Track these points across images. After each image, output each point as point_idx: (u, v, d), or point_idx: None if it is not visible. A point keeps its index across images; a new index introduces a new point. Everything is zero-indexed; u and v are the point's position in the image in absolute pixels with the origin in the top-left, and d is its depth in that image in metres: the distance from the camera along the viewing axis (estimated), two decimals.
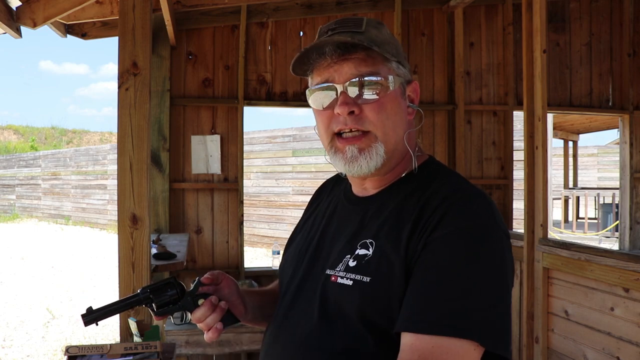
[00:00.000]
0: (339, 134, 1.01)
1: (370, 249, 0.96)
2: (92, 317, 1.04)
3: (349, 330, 0.94)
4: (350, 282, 0.95)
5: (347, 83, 0.98)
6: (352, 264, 0.97)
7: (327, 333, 0.96)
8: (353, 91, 0.98)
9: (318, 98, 1.02)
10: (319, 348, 0.96)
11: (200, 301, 1.04)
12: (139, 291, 1.06)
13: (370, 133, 0.99)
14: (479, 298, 0.85)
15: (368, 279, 0.93)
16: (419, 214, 0.93)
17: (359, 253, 0.97)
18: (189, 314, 1.06)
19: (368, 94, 0.98)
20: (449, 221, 0.90)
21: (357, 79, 0.97)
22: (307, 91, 1.04)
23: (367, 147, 0.99)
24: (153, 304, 1.05)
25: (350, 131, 0.99)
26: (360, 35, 0.98)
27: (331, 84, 0.99)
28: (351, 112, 0.98)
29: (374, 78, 0.98)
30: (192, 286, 1.07)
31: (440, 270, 0.87)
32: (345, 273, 0.97)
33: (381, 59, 0.99)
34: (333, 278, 0.98)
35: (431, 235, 0.89)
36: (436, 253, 0.88)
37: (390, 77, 0.99)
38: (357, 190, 1.10)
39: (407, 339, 0.86)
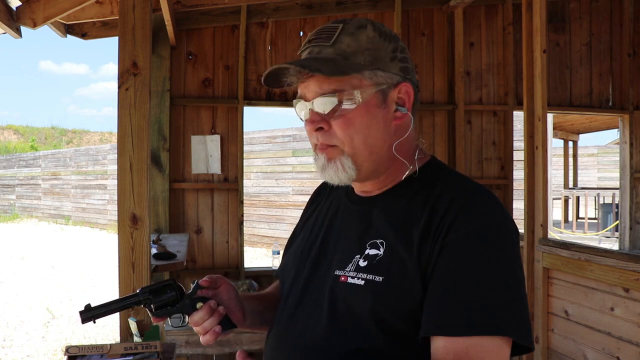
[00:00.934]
0: None
1: (381, 249, 0.96)
2: (90, 314, 1.04)
3: (360, 330, 0.93)
4: (362, 282, 0.94)
5: (314, 100, 0.98)
6: (362, 264, 0.96)
7: (337, 334, 0.95)
8: (320, 108, 0.98)
9: (298, 109, 1.03)
10: (329, 350, 0.95)
11: (199, 305, 1.04)
12: (138, 291, 1.06)
13: (337, 147, 0.99)
14: (502, 294, 0.86)
15: (380, 278, 0.93)
16: (429, 217, 0.93)
17: (370, 253, 0.97)
18: (186, 317, 1.06)
19: (335, 110, 0.97)
20: (461, 223, 0.90)
21: (321, 97, 0.97)
22: (293, 101, 1.05)
23: (333, 158, 0.99)
24: (152, 305, 1.05)
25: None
26: (328, 48, 0.97)
27: (302, 100, 1.01)
28: (320, 128, 0.98)
29: (334, 96, 0.96)
30: (190, 288, 1.07)
31: (460, 272, 0.87)
32: (356, 273, 0.96)
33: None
34: (343, 278, 0.97)
35: (445, 239, 0.90)
36: (453, 256, 0.89)
37: (356, 92, 0.96)
38: (359, 190, 1.09)
39: (440, 343, 0.86)
